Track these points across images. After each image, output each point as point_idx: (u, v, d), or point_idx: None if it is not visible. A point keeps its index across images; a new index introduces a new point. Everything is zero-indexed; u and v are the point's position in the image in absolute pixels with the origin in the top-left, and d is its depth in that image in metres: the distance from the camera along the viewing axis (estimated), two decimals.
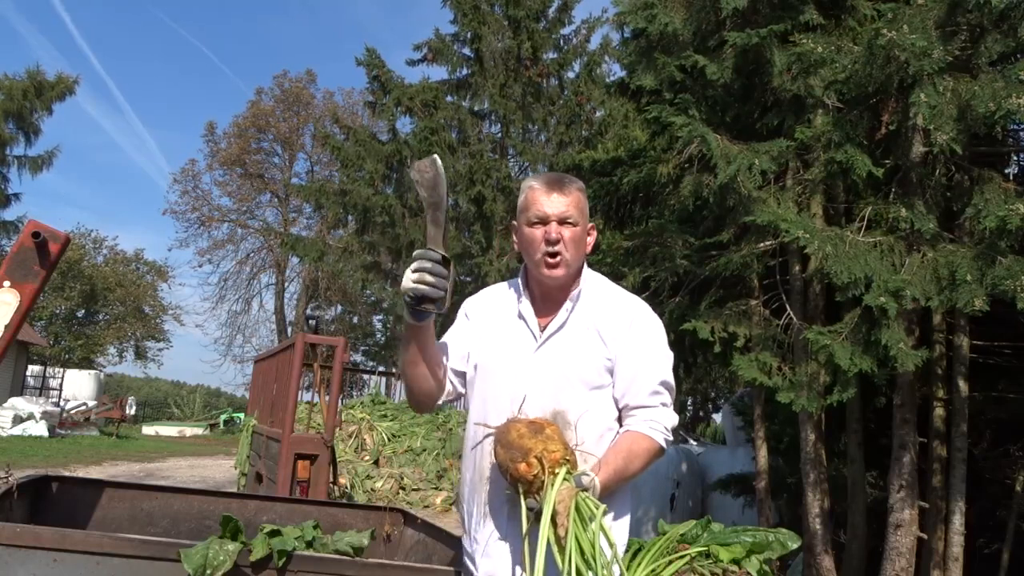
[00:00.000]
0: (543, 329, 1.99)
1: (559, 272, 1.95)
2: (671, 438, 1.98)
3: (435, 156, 1.82)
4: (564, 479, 1.68)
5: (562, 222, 1.93)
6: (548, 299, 2.02)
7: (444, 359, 2.05)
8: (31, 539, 1.92)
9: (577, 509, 1.65)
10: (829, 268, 4.94)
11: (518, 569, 1.85)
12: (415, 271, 1.77)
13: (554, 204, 1.93)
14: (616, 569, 1.69)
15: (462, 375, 2.09)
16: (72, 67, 76.83)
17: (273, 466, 6.41)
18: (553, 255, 1.93)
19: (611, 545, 1.68)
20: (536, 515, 1.68)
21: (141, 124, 71.42)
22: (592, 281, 2.05)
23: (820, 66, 5.35)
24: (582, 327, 1.97)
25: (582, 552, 1.61)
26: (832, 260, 4.91)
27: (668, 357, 2.02)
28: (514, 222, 2.06)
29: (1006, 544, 5.99)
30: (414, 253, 1.81)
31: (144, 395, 42.27)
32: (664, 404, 1.97)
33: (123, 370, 44.68)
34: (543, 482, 1.68)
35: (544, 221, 1.94)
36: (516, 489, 1.73)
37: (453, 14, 18.26)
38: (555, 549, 1.63)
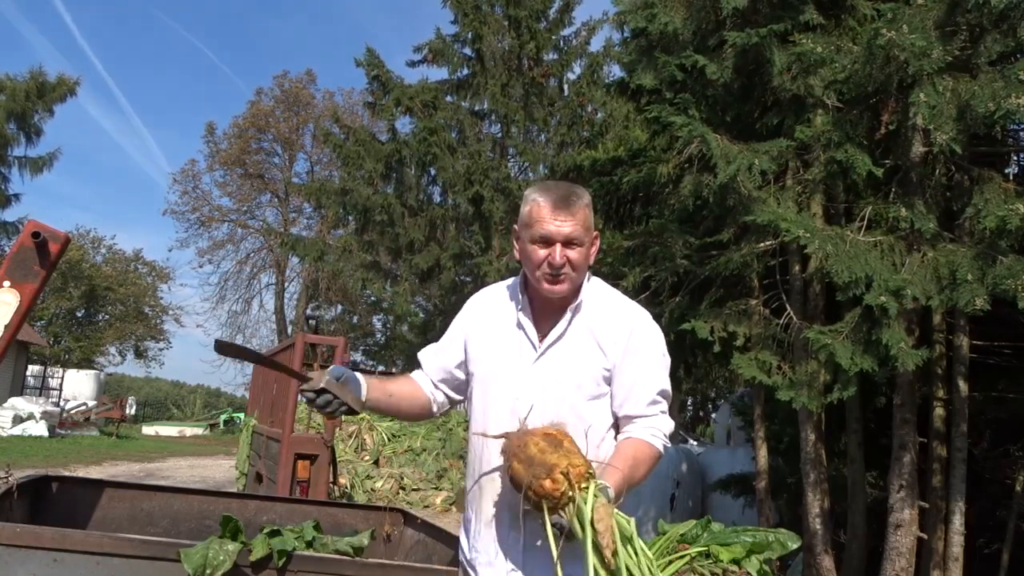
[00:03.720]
0: (542, 339, 1.96)
1: (562, 288, 1.91)
2: (669, 444, 1.96)
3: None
4: (595, 496, 1.59)
5: (567, 244, 1.88)
6: (547, 308, 1.98)
7: (431, 377, 2.11)
8: (31, 539, 1.92)
9: None
10: (829, 267, 4.94)
11: None
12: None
13: (560, 226, 1.86)
14: None
15: (456, 382, 2.10)
16: (73, 67, 76.99)
17: (273, 466, 6.40)
18: (556, 275, 1.89)
19: (652, 564, 1.59)
20: (563, 532, 1.61)
21: (142, 124, 71.40)
22: (593, 289, 2.01)
23: (820, 66, 5.35)
24: (581, 337, 1.94)
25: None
26: (832, 259, 4.91)
27: (666, 365, 1.99)
28: (515, 227, 2.00)
29: (1006, 544, 5.99)
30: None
31: (144, 395, 42.25)
32: (662, 412, 1.95)
33: (123, 370, 44.59)
34: (570, 498, 1.60)
35: (548, 242, 1.88)
36: (538, 506, 1.65)
37: (454, 14, 18.26)
38: (603, 574, 1.54)
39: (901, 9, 4.98)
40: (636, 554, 1.57)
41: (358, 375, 1.96)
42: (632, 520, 1.62)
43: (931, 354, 5.47)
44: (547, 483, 1.62)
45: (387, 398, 2.02)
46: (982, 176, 4.97)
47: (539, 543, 1.74)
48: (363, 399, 1.93)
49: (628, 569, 1.54)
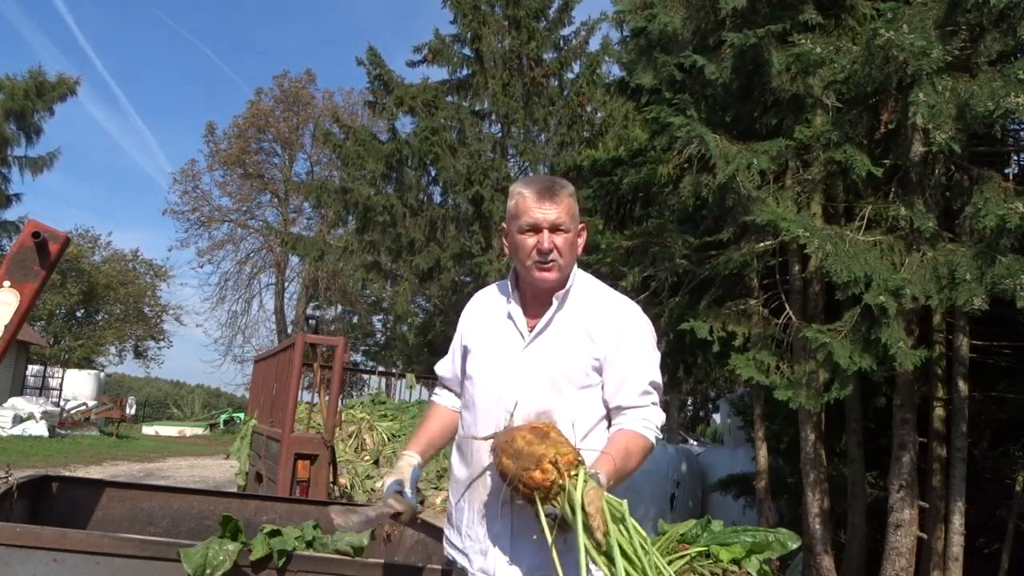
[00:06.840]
0: (531, 330, 1.99)
1: (552, 275, 1.96)
2: (661, 435, 1.98)
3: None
4: (584, 480, 1.61)
5: (554, 230, 1.93)
6: (538, 300, 2.02)
7: (452, 389, 2.20)
8: (31, 539, 1.93)
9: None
10: (829, 267, 4.94)
11: (515, 570, 1.86)
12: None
13: (546, 213, 1.93)
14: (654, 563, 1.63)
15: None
16: (74, 67, 76.80)
17: (273, 466, 6.40)
18: (545, 261, 1.94)
19: (645, 541, 1.61)
20: (556, 521, 1.62)
21: (142, 124, 71.23)
22: (582, 281, 2.05)
23: (819, 66, 5.35)
24: (570, 326, 1.97)
25: (625, 554, 1.55)
26: (832, 259, 4.91)
27: (656, 357, 2.03)
28: (504, 225, 2.05)
29: (1006, 544, 5.99)
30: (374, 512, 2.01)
31: (144, 395, 42.16)
32: (653, 403, 1.98)
33: (123, 370, 44.53)
34: (560, 486, 1.61)
35: (536, 229, 1.94)
36: (530, 499, 1.66)
37: (453, 15, 18.28)
38: (594, 554, 1.55)
39: (901, 9, 4.98)
40: (628, 532, 1.58)
41: (414, 464, 2.06)
42: (624, 502, 1.63)
43: (931, 354, 5.47)
44: (537, 474, 1.62)
45: (433, 450, 2.17)
46: (982, 175, 4.97)
47: (534, 536, 1.75)
48: (419, 503, 2.06)
49: (621, 547, 1.55)
